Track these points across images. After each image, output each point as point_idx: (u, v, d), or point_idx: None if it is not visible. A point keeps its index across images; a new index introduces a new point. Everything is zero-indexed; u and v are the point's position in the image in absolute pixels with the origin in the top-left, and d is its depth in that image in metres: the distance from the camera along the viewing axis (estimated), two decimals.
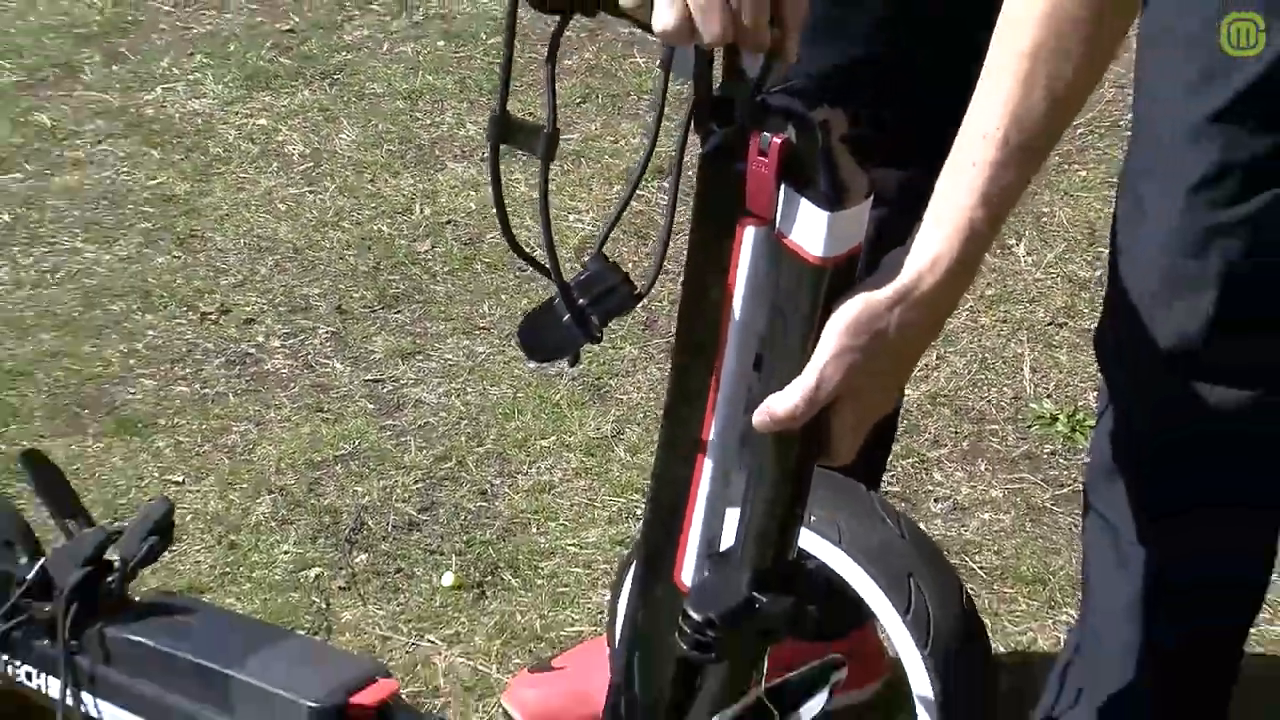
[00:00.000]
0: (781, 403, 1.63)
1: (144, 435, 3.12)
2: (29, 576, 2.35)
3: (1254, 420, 1.90)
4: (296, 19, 4.63)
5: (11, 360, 3.35)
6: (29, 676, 2.34)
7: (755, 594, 1.72)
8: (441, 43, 4.57)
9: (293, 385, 3.30)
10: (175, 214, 3.81)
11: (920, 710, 2.12)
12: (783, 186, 1.65)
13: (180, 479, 3.03)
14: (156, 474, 3.04)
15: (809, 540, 2.13)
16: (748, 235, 1.69)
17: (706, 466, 1.73)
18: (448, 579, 2.82)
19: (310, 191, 3.89)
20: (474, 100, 4.30)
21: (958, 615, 2.11)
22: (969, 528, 2.92)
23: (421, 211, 3.80)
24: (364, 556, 2.87)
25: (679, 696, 1.85)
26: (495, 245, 3.64)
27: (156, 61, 4.43)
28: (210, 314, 3.53)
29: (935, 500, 2.99)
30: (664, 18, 1.59)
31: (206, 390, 3.28)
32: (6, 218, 3.78)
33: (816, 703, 1.96)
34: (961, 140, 1.66)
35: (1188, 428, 1.93)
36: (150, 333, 3.47)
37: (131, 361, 3.38)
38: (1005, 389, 3.25)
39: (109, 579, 2.35)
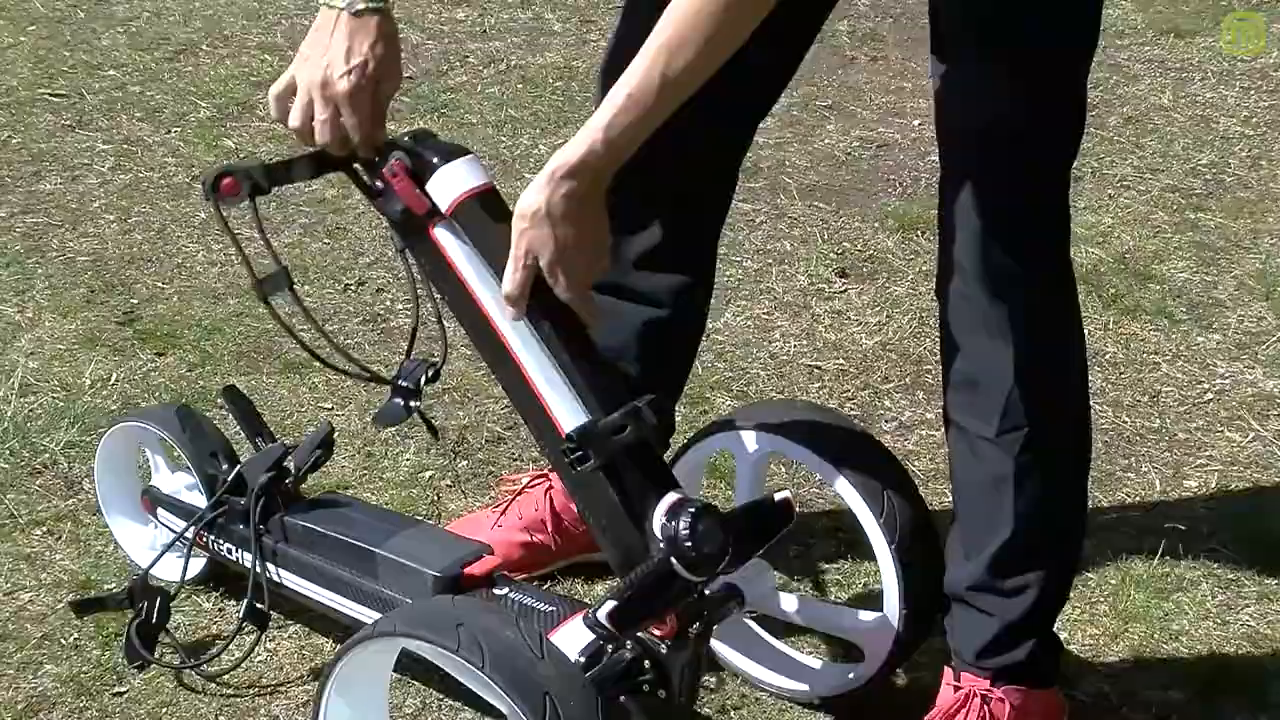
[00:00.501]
0: (505, 287, 1.87)
1: (303, 375, 3.12)
2: (229, 478, 2.37)
3: None
4: (413, 69, 4.61)
5: (208, 319, 3.35)
6: (229, 552, 2.36)
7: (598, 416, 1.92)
8: (520, 86, 4.56)
9: None
10: (325, 212, 3.80)
11: (889, 594, 2.11)
12: (419, 187, 1.98)
13: (330, 406, 3.03)
14: (312, 403, 3.04)
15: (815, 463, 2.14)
16: (436, 232, 1.99)
17: (525, 362, 1.95)
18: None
19: None
20: (544, 128, 4.28)
21: (918, 516, 2.12)
22: (910, 440, 2.92)
23: None
24: (465, 463, 2.87)
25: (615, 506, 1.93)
26: None
27: None
28: (350, 285, 3.53)
29: (885, 421, 2.98)
30: (291, 121, 1.94)
31: (349, 341, 3.28)
32: (203, 215, 3.76)
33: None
34: (616, 84, 1.82)
35: None
36: (307, 298, 3.44)
37: (294, 320, 3.35)
38: (936, 339, 3.23)
39: (287, 480, 2.36)
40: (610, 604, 1.83)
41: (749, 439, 2.21)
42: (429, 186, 1.99)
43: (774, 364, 3.19)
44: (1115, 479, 2.78)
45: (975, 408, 2.04)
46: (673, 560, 1.87)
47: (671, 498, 1.92)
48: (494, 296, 1.95)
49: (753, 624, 2.30)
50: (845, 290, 3.49)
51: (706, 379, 3.11)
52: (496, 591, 2.11)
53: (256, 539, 2.31)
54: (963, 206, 1.96)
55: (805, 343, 3.27)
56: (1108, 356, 3.16)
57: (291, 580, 2.29)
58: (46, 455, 2.84)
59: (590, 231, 1.87)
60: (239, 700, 2.28)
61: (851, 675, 2.21)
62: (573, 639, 1.90)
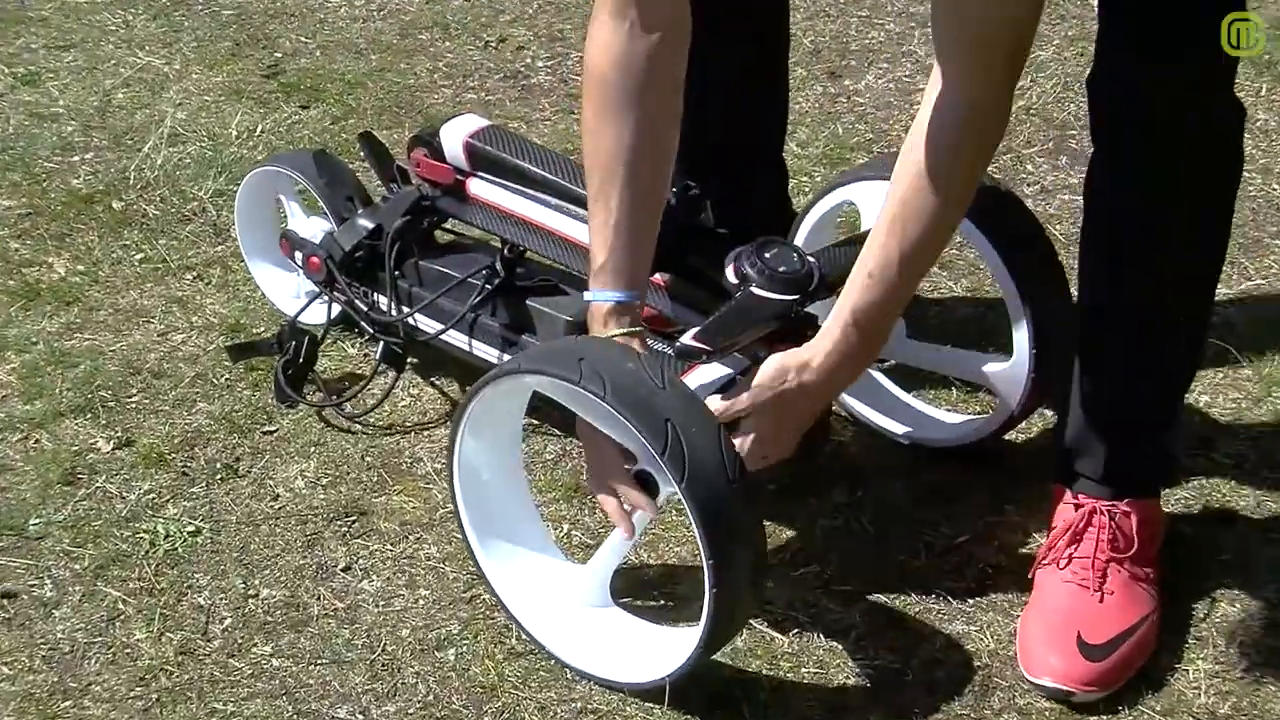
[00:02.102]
0: (717, 405, 1.84)
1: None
2: (367, 223, 2.37)
3: None
4: None
5: (351, 74, 3.34)
6: (365, 294, 2.36)
7: None
8: None
9: (552, 94, 3.26)
10: None
11: (1019, 336, 2.08)
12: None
13: None
14: None
15: None
16: (472, 189, 2.36)
17: None
18: None
19: None
20: None
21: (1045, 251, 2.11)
22: (1051, 205, 2.86)
23: None
24: None
25: None
26: None
27: None
28: (491, 42, 3.49)
29: (1027, 185, 2.92)
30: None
31: (489, 97, 3.26)
32: None
33: None
34: (854, 268, 1.79)
35: None
36: (449, 55, 3.44)
37: (435, 76, 3.35)
38: (1081, 105, 3.15)
39: (422, 224, 2.36)
40: (694, 329, 1.87)
41: (879, 189, 2.17)
42: (445, 151, 2.32)
43: None
44: (1263, 245, 2.71)
45: None
46: (753, 288, 1.91)
47: (735, 250, 1.96)
48: (544, 207, 2.24)
49: (881, 377, 2.28)
50: None
51: (846, 140, 3.06)
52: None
53: (392, 282, 2.32)
54: None
55: None
56: (1259, 124, 3.06)
57: (426, 324, 2.30)
58: (195, 203, 2.87)
59: (794, 430, 1.90)
60: (383, 440, 2.30)
61: (981, 424, 2.20)
62: (697, 379, 1.98)
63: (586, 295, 1.89)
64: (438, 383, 2.42)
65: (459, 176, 2.33)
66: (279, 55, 3.42)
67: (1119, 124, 1.82)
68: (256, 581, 2.06)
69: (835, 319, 1.81)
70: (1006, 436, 2.21)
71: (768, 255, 1.95)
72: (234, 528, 2.15)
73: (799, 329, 1.94)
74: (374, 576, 2.07)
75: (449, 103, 3.22)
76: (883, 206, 1.77)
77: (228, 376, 2.44)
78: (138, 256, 2.73)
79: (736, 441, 1.82)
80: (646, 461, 1.81)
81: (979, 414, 2.26)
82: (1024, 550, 2.08)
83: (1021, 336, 2.07)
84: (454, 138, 2.31)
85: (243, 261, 2.64)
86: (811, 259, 1.97)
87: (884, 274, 1.77)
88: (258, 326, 2.55)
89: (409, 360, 2.40)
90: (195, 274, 2.68)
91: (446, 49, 3.46)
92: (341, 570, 2.08)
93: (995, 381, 2.15)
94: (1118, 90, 1.81)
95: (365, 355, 2.48)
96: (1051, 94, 3.21)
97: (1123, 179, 1.85)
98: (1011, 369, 2.11)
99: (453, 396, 2.39)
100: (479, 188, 2.31)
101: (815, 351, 1.82)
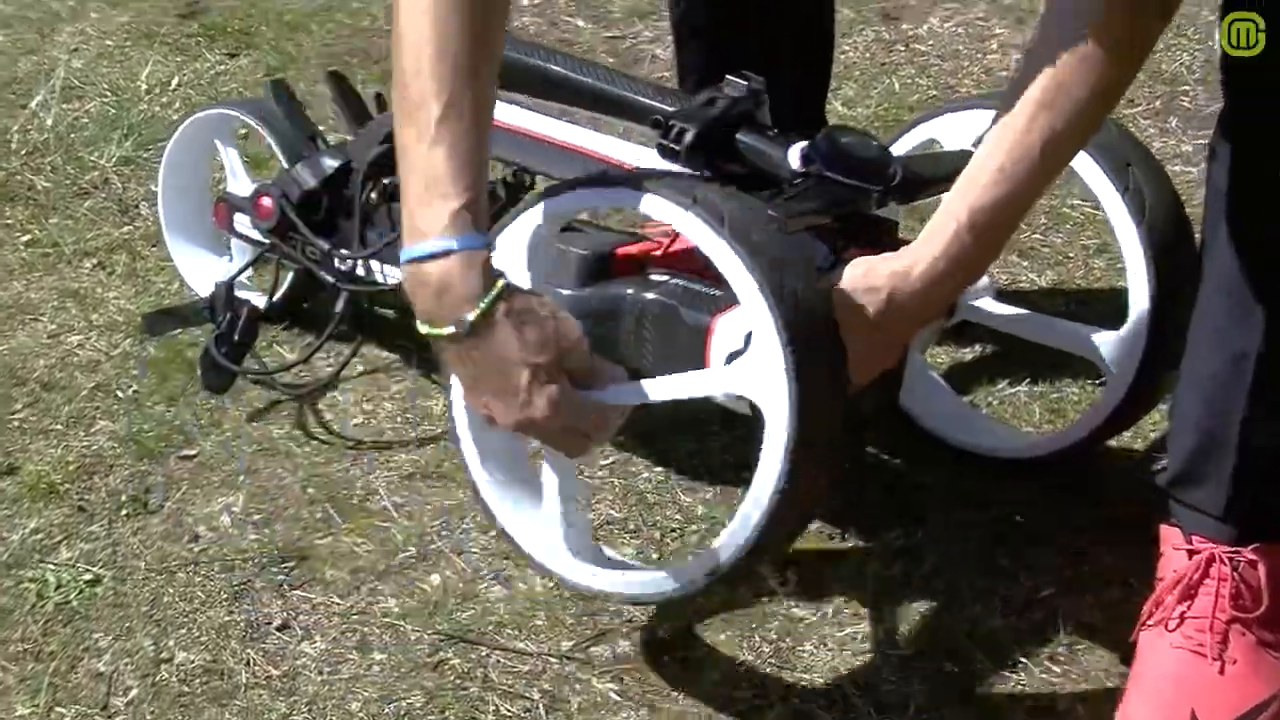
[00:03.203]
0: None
1: None
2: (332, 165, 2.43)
3: None
4: None
5: (290, 13, 3.36)
6: (325, 255, 2.41)
7: None
8: None
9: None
10: None
11: (1133, 277, 2.12)
12: None
13: None
14: None
15: None
16: None
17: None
18: None
19: None
20: None
21: (1169, 197, 2.15)
22: None
23: None
24: None
25: None
26: None
27: None
28: None
29: None
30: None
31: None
32: None
33: None
34: (971, 163, 1.82)
35: None
36: None
37: None
38: (1197, 53, 3.16)
39: None
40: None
41: (963, 120, 2.24)
42: None
43: (989, 80, 3.14)
44: None
45: None
46: (824, 172, 2.01)
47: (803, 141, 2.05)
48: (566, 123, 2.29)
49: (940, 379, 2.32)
50: None
51: (905, 97, 3.07)
52: (653, 277, 2.13)
53: (362, 228, 2.35)
54: None
55: None
56: None
57: (395, 274, 2.32)
58: (96, 173, 2.88)
59: (887, 355, 1.93)
60: (330, 468, 2.31)
61: (1078, 425, 2.23)
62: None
63: (429, 244, 1.71)
64: (395, 396, 2.42)
65: None
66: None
67: None
68: (170, 643, 2.07)
69: (944, 221, 1.82)
70: (1105, 455, 2.23)
71: (843, 140, 2.02)
72: (143, 576, 2.16)
73: (876, 236, 2.02)
74: (317, 637, 2.07)
75: None
76: (1016, 96, 1.80)
77: (135, 389, 2.44)
78: (23, 239, 2.74)
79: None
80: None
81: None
82: (1125, 605, 2.08)
83: (1140, 296, 2.11)
84: None
85: (155, 246, 2.65)
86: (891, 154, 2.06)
87: (1019, 169, 1.79)
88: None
89: (359, 371, 2.41)
90: (96, 261, 2.69)
91: None
92: (277, 629, 2.08)
93: (1102, 353, 2.17)
94: None
95: (308, 354, 2.48)
96: (1160, 44, 3.20)
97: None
98: (1125, 338, 2.13)
99: (414, 416, 2.39)
100: None
101: (917, 259, 1.83)
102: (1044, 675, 2.00)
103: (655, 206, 1.84)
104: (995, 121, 1.84)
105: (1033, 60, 1.82)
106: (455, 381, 1.93)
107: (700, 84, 2.28)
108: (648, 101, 2.21)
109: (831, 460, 1.86)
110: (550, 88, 2.30)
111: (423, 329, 1.74)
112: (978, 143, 2.09)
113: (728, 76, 2.13)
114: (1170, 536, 2.00)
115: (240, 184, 2.54)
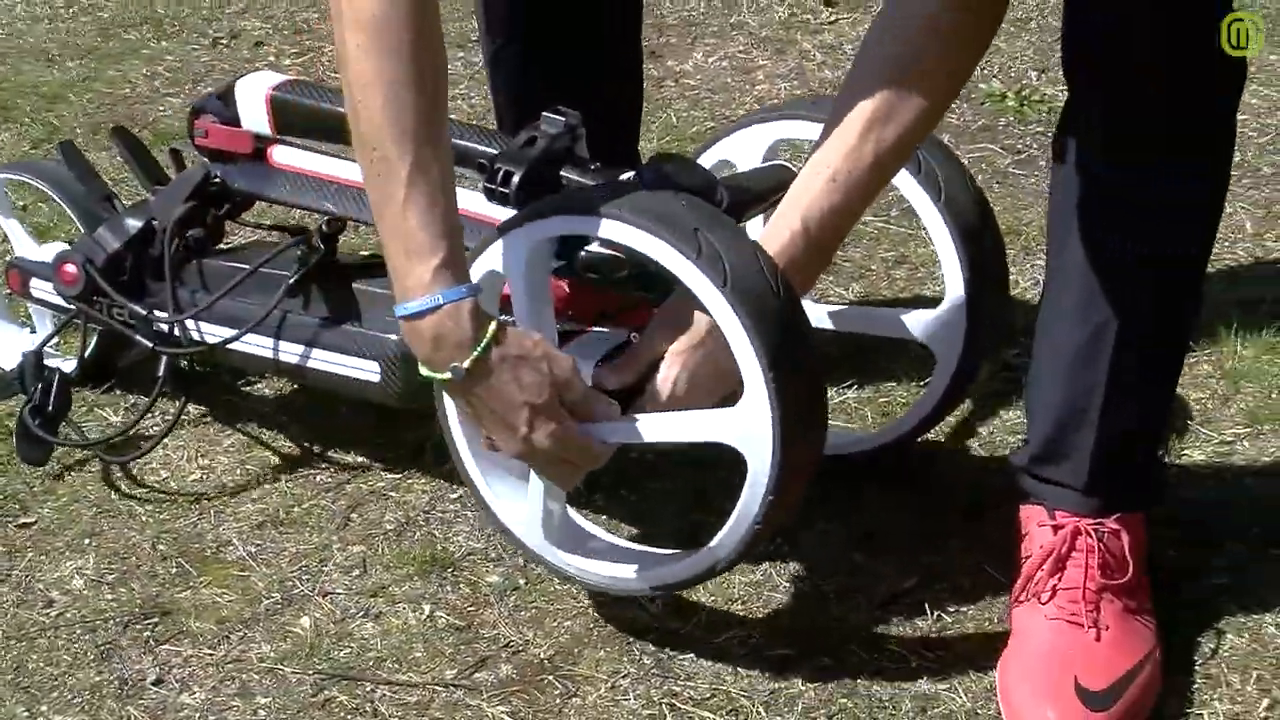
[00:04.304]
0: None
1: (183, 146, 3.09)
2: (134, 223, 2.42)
3: None
4: None
5: (45, 85, 3.32)
6: (133, 316, 2.39)
7: None
8: None
9: None
10: None
11: (943, 254, 2.21)
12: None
13: None
14: None
15: None
16: (276, 156, 2.38)
17: None
18: None
19: None
20: None
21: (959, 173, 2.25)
22: None
23: None
24: None
25: None
26: None
27: None
28: (222, 39, 3.50)
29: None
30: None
31: None
32: None
33: None
34: (804, 172, 1.91)
35: None
36: (169, 58, 3.44)
37: (156, 83, 3.36)
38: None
39: (211, 212, 2.41)
40: None
41: (757, 133, 2.31)
42: (240, 114, 2.37)
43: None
44: None
45: None
46: None
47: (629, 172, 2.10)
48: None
49: None
50: (835, 20, 3.52)
51: (684, 129, 3.14)
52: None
53: (173, 286, 2.34)
54: None
55: (797, 83, 3.30)
56: None
57: (218, 330, 2.33)
58: None
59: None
60: (177, 523, 2.30)
61: (920, 404, 2.31)
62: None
63: (419, 302, 1.83)
64: (229, 450, 2.42)
65: (259, 144, 2.35)
66: None
67: None
68: (44, 708, 2.04)
69: (778, 229, 1.91)
70: (938, 453, 2.33)
71: (667, 168, 2.05)
72: (2, 644, 2.13)
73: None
74: (195, 687, 2.06)
75: (181, 113, 3.22)
76: (845, 106, 1.87)
77: None
78: None
79: (660, 390, 1.94)
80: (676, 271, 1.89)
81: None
82: (984, 590, 2.15)
83: (954, 279, 2.20)
84: (252, 95, 2.35)
85: None
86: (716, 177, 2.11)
87: (851, 179, 1.88)
88: None
89: (187, 425, 2.40)
90: None
91: (164, 50, 3.46)
92: (152, 684, 2.07)
93: (926, 334, 2.26)
94: None
95: (133, 417, 2.46)
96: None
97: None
98: (945, 315, 2.22)
99: (253, 466, 2.39)
100: (287, 154, 2.34)
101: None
102: (921, 662, 2.06)
103: (654, 249, 1.89)
104: (826, 130, 1.91)
105: (862, 69, 1.90)
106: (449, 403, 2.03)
107: (518, 122, 2.30)
108: (468, 144, 2.24)
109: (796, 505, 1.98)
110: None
111: (424, 372, 1.86)
112: (775, 155, 2.20)
113: (544, 113, 2.16)
114: (1033, 515, 2.09)
115: (27, 248, 2.51)
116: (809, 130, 2.23)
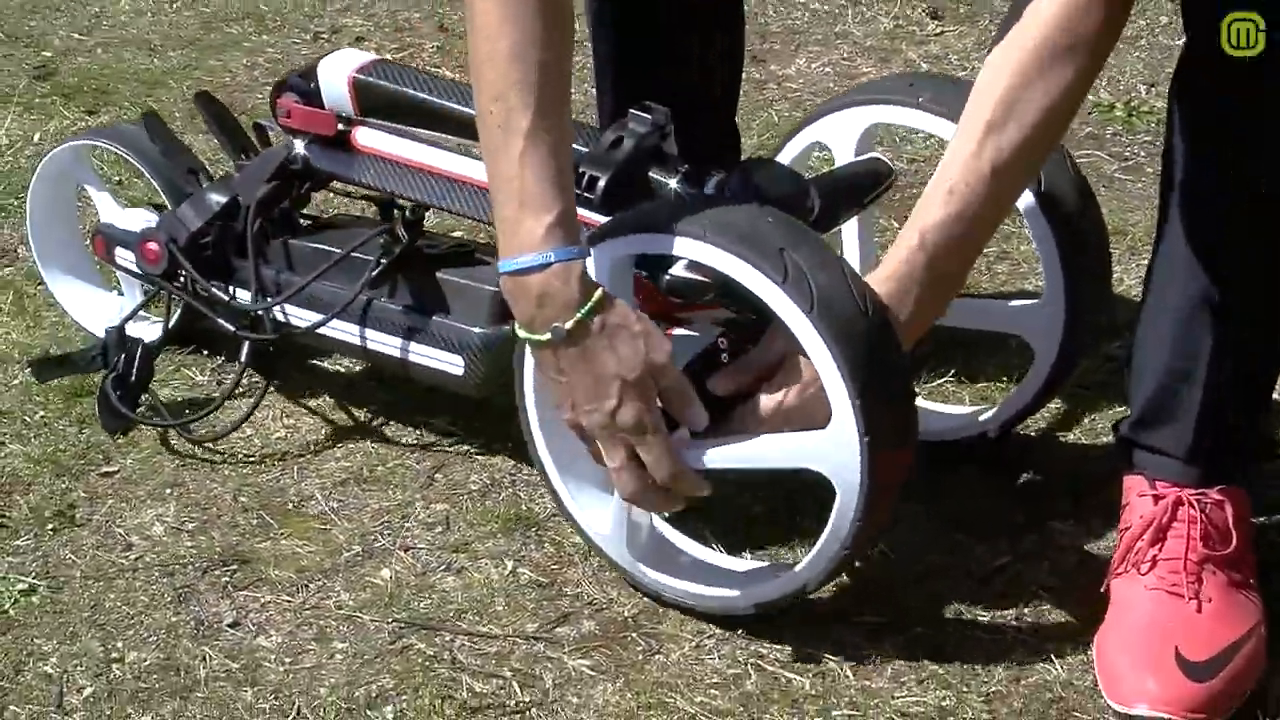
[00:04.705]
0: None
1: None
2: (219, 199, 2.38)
3: None
4: None
5: (147, 72, 3.33)
6: (219, 291, 2.36)
7: None
8: None
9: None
10: None
11: (1041, 246, 2.16)
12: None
13: None
14: None
15: None
16: (360, 138, 2.35)
17: None
18: None
19: None
20: None
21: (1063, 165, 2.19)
22: None
23: None
24: None
25: None
26: None
27: None
28: (323, 34, 3.51)
29: None
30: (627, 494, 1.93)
31: None
32: None
33: None
34: (929, 185, 1.87)
35: None
36: (270, 49, 3.45)
37: (256, 74, 3.37)
38: None
39: (294, 192, 2.39)
40: None
41: (852, 116, 2.24)
42: (324, 94, 2.33)
43: None
44: None
45: None
46: None
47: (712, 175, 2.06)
48: (459, 155, 2.24)
49: None
50: (942, 33, 3.50)
51: (784, 128, 3.10)
52: None
53: (256, 267, 2.31)
54: None
55: None
56: None
57: (303, 314, 2.31)
58: None
59: None
60: (260, 478, 2.28)
61: (1016, 397, 2.26)
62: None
63: (529, 258, 1.81)
64: (316, 410, 2.40)
65: (342, 125, 2.33)
66: (47, 54, 3.40)
67: None
68: (119, 644, 2.01)
69: (898, 246, 1.86)
70: (1035, 439, 2.29)
71: (758, 174, 2.00)
72: (80, 584, 2.11)
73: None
74: (272, 631, 2.03)
75: None
76: (966, 116, 1.84)
77: (44, 413, 2.40)
78: None
79: (767, 405, 1.89)
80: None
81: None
82: (1082, 569, 2.11)
83: (1053, 271, 2.15)
84: (336, 75, 2.32)
85: (42, 284, 2.60)
86: (807, 181, 2.05)
87: (969, 190, 1.83)
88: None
89: (272, 390, 2.38)
90: None
91: (265, 43, 3.47)
92: (229, 626, 2.04)
93: (1024, 326, 2.23)
94: None
95: (217, 376, 2.45)
96: None
97: None
98: (1043, 307, 2.18)
99: (339, 427, 2.37)
100: (370, 137, 2.32)
101: (873, 285, 1.87)
102: (1016, 636, 2.02)
103: (738, 270, 1.85)
104: (952, 140, 1.88)
105: (983, 80, 1.86)
106: (530, 389, 2.02)
107: (616, 113, 2.26)
108: None
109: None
110: (448, 122, 2.28)
111: (521, 334, 1.85)
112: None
113: (632, 111, 2.12)
114: (1134, 485, 2.04)
115: (113, 215, 2.49)
116: (905, 116, 2.21)
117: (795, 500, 2.18)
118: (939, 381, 2.42)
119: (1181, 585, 1.96)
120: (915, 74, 2.21)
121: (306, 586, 2.09)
